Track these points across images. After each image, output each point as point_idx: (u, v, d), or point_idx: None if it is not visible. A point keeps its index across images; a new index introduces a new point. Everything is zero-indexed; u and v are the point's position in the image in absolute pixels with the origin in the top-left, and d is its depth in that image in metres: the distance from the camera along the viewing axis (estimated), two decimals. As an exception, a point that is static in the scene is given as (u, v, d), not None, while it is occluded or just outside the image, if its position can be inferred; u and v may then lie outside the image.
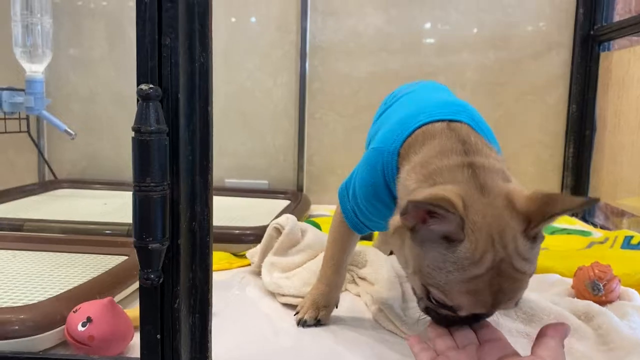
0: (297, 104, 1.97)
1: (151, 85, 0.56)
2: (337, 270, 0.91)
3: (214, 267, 1.15)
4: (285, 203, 1.75)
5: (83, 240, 1.20)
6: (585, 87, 1.83)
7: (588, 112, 1.83)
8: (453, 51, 1.94)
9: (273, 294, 1.02)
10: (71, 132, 1.71)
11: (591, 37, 1.82)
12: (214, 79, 1.99)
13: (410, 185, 0.69)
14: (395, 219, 0.69)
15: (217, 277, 1.13)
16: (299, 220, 1.59)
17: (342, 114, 1.99)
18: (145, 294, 0.60)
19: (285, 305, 0.97)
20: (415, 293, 0.69)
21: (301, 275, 1.01)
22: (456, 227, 0.58)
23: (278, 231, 1.13)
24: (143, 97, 0.55)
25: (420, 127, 0.75)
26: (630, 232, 1.41)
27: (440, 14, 1.94)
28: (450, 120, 0.75)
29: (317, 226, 1.43)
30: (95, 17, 2.03)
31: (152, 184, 0.56)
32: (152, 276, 0.58)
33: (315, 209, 1.85)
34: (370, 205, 0.80)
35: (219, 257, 1.19)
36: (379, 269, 1.02)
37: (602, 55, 1.79)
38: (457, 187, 0.62)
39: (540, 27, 1.91)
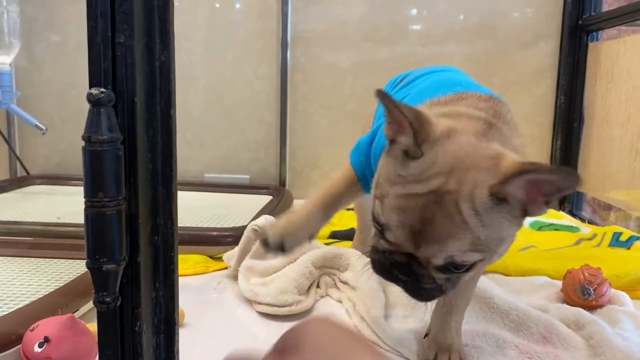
0: (278, 95, 1.91)
1: (102, 89, 0.50)
2: (321, 203, 0.76)
3: (190, 271, 1.10)
4: (267, 199, 1.70)
5: (52, 244, 1.14)
6: (573, 78, 1.79)
7: (576, 104, 1.79)
8: (439, 41, 1.89)
9: (250, 301, 0.97)
10: (42, 126, 1.64)
11: (579, 27, 1.78)
12: (194, 70, 1.93)
13: None
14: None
15: (192, 281, 1.08)
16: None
17: (325, 106, 1.93)
18: (102, 318, 0.55)
19: (263, 314, 0.93)
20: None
21: (278, 282, 0.96)
22: (412, 141, 0.56)
23: (256, 233, 1.08)
24: (93, 103, 0.50)
25: (455, 94, 0.70)
26: (618, 229, 1.38)
27: (426, 2, 1.89)
28: (493, 97, 0.70)
29: (299, 225, 1.38)
30: (72, 3, 1.93)
31: (105, 199, 0.50)
32: (108, 299, 0.53)
33: (298, 205, 1.79)
34: None
35: (195, 260, 1.14)
36: (360, 274, 0.97)
37: (591, 45, 1.75)
38: (452, 121, 0.59)
39: (527, 16, 1.87)
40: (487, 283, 0.92)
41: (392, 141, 0.60)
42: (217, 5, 1.91)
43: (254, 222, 1.09)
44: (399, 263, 0.58)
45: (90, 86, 0.52)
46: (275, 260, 1.04)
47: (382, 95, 0.55)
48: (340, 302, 0.97)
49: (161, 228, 0.58)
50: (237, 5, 1.91)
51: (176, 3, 1.93)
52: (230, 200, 1.74)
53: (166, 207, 0.58)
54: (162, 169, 0.57)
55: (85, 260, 1.03)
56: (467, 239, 0.54)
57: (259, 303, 0.93)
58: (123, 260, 0.53)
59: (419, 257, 0.57)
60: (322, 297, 1.01)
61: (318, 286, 1.02)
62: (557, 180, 0.54)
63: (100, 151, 0.50)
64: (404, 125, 0.56)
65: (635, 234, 1.33)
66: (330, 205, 0.77)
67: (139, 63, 0.54)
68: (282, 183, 1.94)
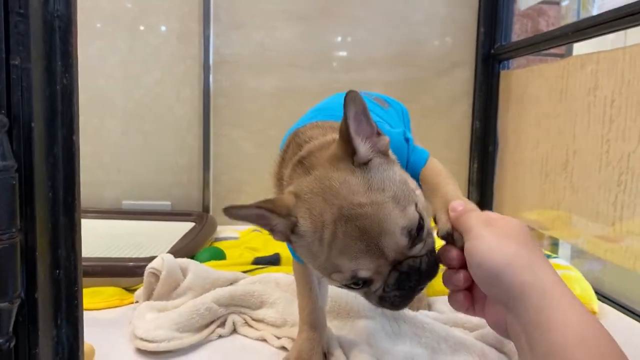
0: (201, 119, 1.88)
1: (-6, 114, 0.47)
2: (311, 314, 0.84)
3: (103, 304, 1.05)
4: (189, 225, 1.65)
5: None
6: (487, 104, 1.88)
7: (490, 128, 1.87)
8: (361, 68, 1.93)
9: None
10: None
11: (491, 56, 1.87)
12: (112, 93, 1.84)
13: None
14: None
15: (105, 315, 1.03)
16: (206, 243, 1.51)
17: (249, 131, 1.92)
18: (-6, 361, 0.51)
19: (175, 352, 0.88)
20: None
21: (164, 317, 0.93)
22: (277, 218, 0.61)
23: (156, 276, 1.04)
24: (-17, 128, 0.46)
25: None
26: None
27: (348, 30, 1.93)
28: (298, 128, 0.76)
29: (221, 253, 1.35)
30: None
31: (-4, 233, 0.46)
32: (0, 341, 0.48)
33: (222, 231, 1.76)
34: None
35: (109, 293, 1.08)
36: (288, 310, 0.95)
37: (503, 73, 1.85)
38: (291, 187, 0.64)
39: (444, 45, 1.95)
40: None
41: (289, 239, 0.63)
42: (142, 28, 1.86)
43: (150, 265, 1.05)
44: (399, 278, 0.59)
45: (-18, 111, 0.48)
46: (179, 301, 1.00)
47: (230, 213, 0.62)
48: (265, 340, 0.93)
49: (63, 261, 0.55)
50: (163, 29, 1.87)
51: (97, 25, 1.86)
52: (150, 228, 1.68)
53: (69, 239, 0.55)
54: (63, 198, 0.54)
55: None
56: (390, 205, 0.57)
57: (135, 337, 0.89)
58: (17, 298, 0.49)
59: (395, 257, 0.58)
60: (220, 336, 0.95)
61: (223, 325, 0.97)
62: (352, 106, 0.58)
63: (-9, 180, 0.46)
64: (266, 216, 0.61)
65: (548, 252, 1.39)
66: (317, 311, 0.84)
67: (37, 86, 0.51)
68: (206, 209, 1.90)
